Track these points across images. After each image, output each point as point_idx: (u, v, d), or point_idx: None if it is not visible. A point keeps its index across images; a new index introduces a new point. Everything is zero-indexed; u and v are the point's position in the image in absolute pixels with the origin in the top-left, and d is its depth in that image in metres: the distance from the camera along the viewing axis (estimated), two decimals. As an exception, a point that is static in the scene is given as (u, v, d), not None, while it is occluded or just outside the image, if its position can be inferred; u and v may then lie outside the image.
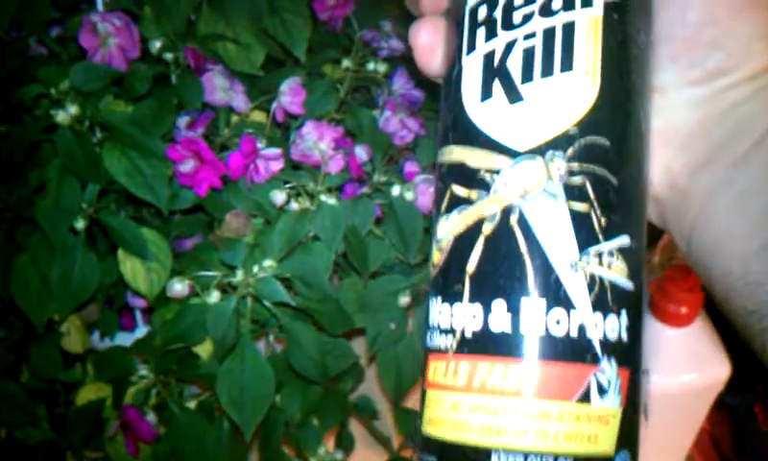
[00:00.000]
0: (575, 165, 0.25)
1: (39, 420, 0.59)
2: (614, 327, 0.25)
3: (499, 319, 0.25)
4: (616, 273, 0.25)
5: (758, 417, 0.74)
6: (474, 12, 0.27)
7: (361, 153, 0.59)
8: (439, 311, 0.26)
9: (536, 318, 0.24)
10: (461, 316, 0.25)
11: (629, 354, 0.25)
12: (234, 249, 0.56)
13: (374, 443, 0.67)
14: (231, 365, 0.54)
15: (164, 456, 0.57)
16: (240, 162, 0.55)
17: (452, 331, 0.26)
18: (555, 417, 0.24)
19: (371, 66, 0.65)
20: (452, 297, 0.26)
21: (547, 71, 0.25)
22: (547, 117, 0.25)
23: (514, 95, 0.26)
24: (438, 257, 0.27)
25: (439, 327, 0.26)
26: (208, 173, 0.55)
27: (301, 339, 0.56)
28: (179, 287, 0.54)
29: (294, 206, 0.57)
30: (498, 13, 0.26)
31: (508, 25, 0.26)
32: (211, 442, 0.57)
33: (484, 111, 0.26)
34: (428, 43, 0.30)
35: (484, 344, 0.25)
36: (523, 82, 0.26)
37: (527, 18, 0.26)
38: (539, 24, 0.26)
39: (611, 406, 0.25)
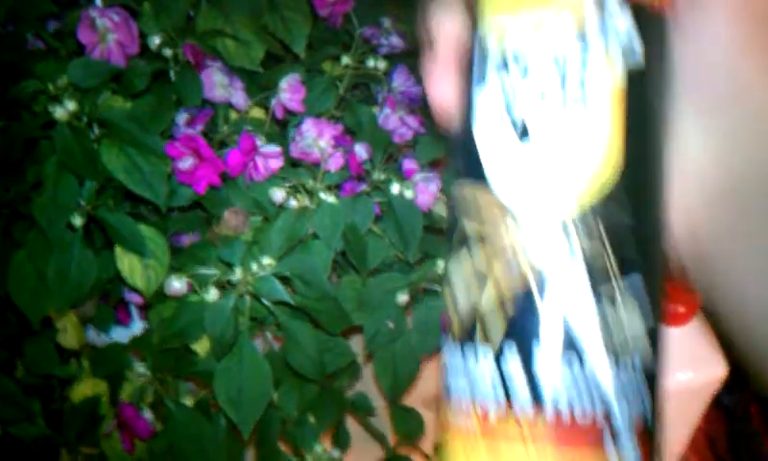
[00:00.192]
0: (588, 211, 0.25)
1: (35, 416, 0.59)
2: (628, 370, 0.25)
3: (513, 369, 0.24)
4: (631, 315, 0.25)
5: (754, 417, 0.74)
6: (490, 58, 0.26)
7: (361, 150, 0.59)
8: (456, 360, 0.26)
9: (551, 371, 0.24)
10: (477, 368, 0.25)
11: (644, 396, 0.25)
12: (233, 246, 0.55)
13: (371, 440, 0.67)
14: (229, 363, 0.54)
15: (160, 453, 0.57)
16: (239, 160, 0.55)
17: (470, 382, 0.25)
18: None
19: (370, 63, 0.65)
20: (465, 345, 0.26)
21: (561, 121, 0.25)
22: (560, 164, 0.25)
23: (525, 142, 0.25)
24: (451, 306, 0.27)
25: (455, 376, 0.26)
26: (207, 170, 0.54)
27: (299, 337, 0.56)
28: (177, 285, 0.53)
29: (293, 203, 0.57)
30: (515, 65, 0.26)
31: (522, 75, 0.26)
32: (208, 439, 0.57)
33: (495, 156, 0.26)
34: (448, 97, 0.29)
35: (496, 394, 0.25)
36: (540, 138, 0.25)
37: (541, 68, 0.25)
38: (554, 75, 0.25)
39: (626, 453, 0.25)
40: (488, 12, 0.27)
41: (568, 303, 0.24)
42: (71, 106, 0.52)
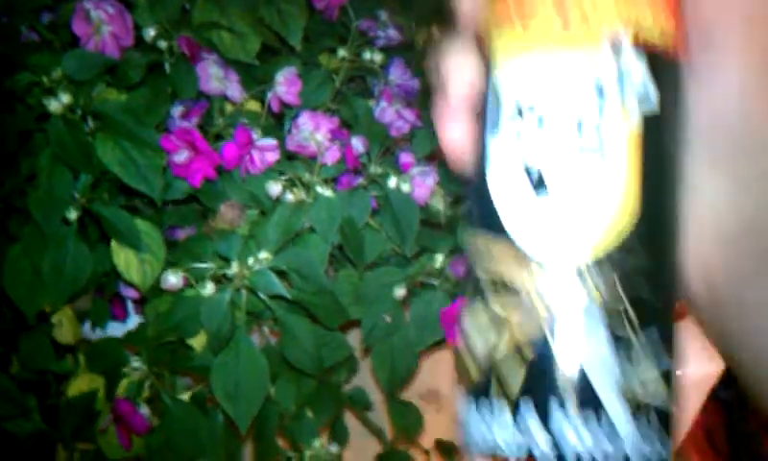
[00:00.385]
0: (606, 264, 0.24)
1: (30, 411, 0.59)
2: (649, 423, 0.24)
3: (531, 423, 0.24)
4: (649, 368, 0.24)
5: (751, 411, 0.74)
6: (505, 109, 0.26)
7: (357, 144, 0.59)
8: (473, 415, 0.26)
9: (569, 423, 0.24)
10: (495, 423, 0.25)
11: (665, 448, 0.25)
12: (229, 240, 0.55)
13: (369, 435, 0.66)
14: (226, 358, 0.54)
15: (157, 448, 0.57)
16: (235, 153, 0.55)
17: (488, 438, 0.25)
18: None
19: (367, 56, 0.64)
20: (481, 399, 0.25)
21: (578, 171, 0.25)
22: (577, 217, 0.25)
23: (541, 195, 0.25)
24: (467, 358, 0.26)
25: (477, 437, 0.26)
26: (203, 163, 0.54)
27: (296, 331, 0.55)
28: (173, 279, 0.53)
29: (289, 197, 0.57)
30: (527, 115, 0.25)
31: (537, 126, 0.25)
32: (205, 434, 0.57)
33: (512, 209, 0.25)
34: (460, 140, 0.29)
35: (512, 446, 0.24)
36: (556, 187, 0.25)
37: (556, 120, 0.25)
38: (569, 125, 0.25)
39: None
40: (501, 58, 0.26)
41: (586, 355, 0.24)
42: (65, 98, 0.52)
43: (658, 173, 0.25)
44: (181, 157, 0.53)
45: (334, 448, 0.62)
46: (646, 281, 0.25)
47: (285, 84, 0.59)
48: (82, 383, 0.58)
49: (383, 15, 0.67)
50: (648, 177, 0.25)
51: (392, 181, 0.59)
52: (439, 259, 0.60)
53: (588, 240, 0.25)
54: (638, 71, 0.25)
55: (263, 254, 0.54)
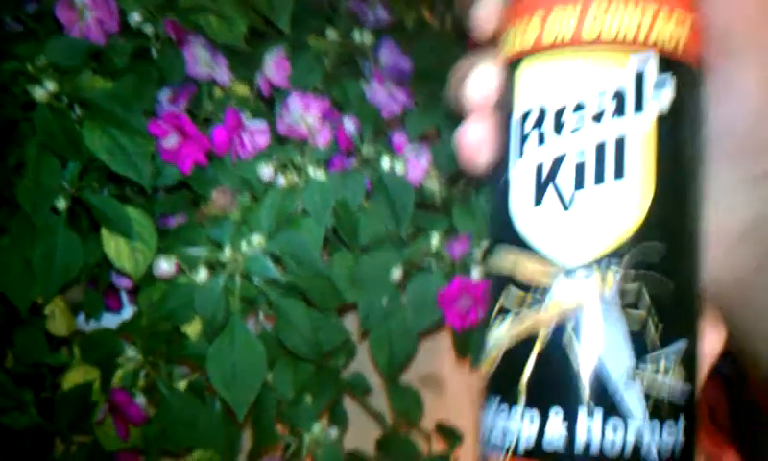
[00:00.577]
0: (631, 273, 0.25)
1: (26, 405, 0.58)
2: (671, 433, 0.25)
3: (555, 429, 0.24)
4: (674, 379, 0.25)
5: (752, 385, 0.74)
6: (523, 120, 0.27)
7: (349, 125, 0.58)
8: (494, 418, 0.26)
9: (592, 429, 0.24)
10: (516, 425, 0.25)
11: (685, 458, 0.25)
12: (221, 226, 0.54)
13: (369, 419, 0.66)
14: (222, 344, 0.53)
15: (154, 438, 0.56)
16: (225, 136, 0.54)
17: (507, 437, 0.25)
18: None
19: (357, 37, 0.64)
20: (507, 405, 0.26)
21: (600, 181, 0.25)
22: (601, 228, 0.25)
23: (565, 206, 0.25)
24: (490, 365, 0.27)
25: (493, 432, 0.26)
26: (192, 148, 0.53)
27: (292, 316, 0.55)
28: (165, 266, 0.52)
29: (281, 181, 0.56)
30: (548, 125, 0.26)
31: (558, 135, 0.26)
32: (203, 422, 0.56)
33: (534, 221, 0.26)
34: (475, 143, 0.30)
35: (539, 452, 0.25)
36: (575, 192, 0.25)
37: (578, 129, 0.25)
38: (590, 135, 0.25)
39: None
40: (524, 65, 0.27)
41: (613, 367, 0.24)
42: (51, 86, 0.51)
43: (677, 174, 0.26)
44: (170, 142, 0.53)
45: (334, 433, 0.61)
46: (664, 269, 0.25)
47: (274, 67, 0.58)
48: (77, 375, 0.58)
49: (372, -5, 0.66)
50: (667, 178, 0.25)
51: (385, 163, 0.59)
52: (434, 241, 0.60)
53: (603, 232, 0.25)
54: (657, 75, 0.25)
55: (256, 239, 0.54)
